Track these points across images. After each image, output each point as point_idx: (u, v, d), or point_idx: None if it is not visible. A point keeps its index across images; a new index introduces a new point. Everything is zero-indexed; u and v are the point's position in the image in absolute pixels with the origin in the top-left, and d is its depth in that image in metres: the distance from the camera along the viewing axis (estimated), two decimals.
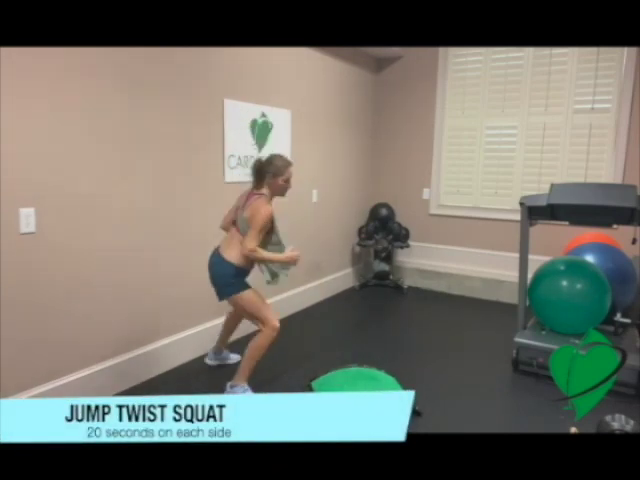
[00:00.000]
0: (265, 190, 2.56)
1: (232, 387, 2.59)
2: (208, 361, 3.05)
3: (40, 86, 2.19)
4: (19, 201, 2.16)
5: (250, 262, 2.56)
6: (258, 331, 2.57)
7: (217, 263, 2.56)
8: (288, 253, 2.56)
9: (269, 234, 2.55)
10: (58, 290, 2.36)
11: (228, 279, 2.52)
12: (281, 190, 2.59)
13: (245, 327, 2.96)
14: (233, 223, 2.62)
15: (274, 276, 2.65)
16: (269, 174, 2.54)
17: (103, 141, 2.49)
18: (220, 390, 2.63)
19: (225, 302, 2.63)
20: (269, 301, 3.65)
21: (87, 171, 2.43)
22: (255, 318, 2.56)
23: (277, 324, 2.55)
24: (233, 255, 2.51)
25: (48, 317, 2.33)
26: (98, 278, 2.54)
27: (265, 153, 3.56)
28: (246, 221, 2.49)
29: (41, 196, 2.24)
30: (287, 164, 2.57)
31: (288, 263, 2.57)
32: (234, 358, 3.03)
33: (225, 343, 3.04)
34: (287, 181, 2.58)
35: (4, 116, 2.07)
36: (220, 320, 3.27)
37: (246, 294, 2.53)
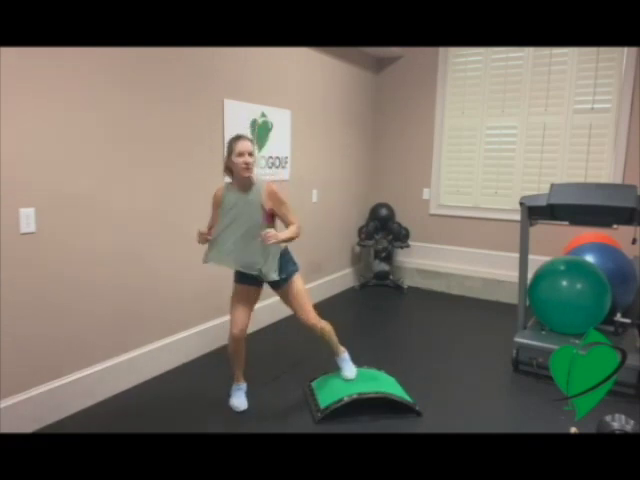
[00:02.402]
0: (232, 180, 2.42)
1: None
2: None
3: (40, 86, 2.19)
4: (19, 201, 2.16)
5: None
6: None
7: None
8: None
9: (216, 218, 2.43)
10: (58, 290, 2.36)
11: None
12: (238, 168, 2.31)
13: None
14: None
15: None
16: (228, 159, 2.35)
17: (103, 141, 2.49)
18: (218, 391, 2.63)
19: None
20: (269, 301, 3.66)
21: (87, 171, 2.43)
22: None
23: (232, 332, 2.44)
24: None
25: (48, 317, 2.33)
26: (98, 278, 2.54)
27: (265, 153, 3.57)
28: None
29: (41, 196, 2.24)
30: (236, 138, 2.34)
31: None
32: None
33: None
34: (241, 155, 2.28)
35: (4, 116, 2.07)
36: (217, 321, 3.27)
37: (234, 285, 2.50)
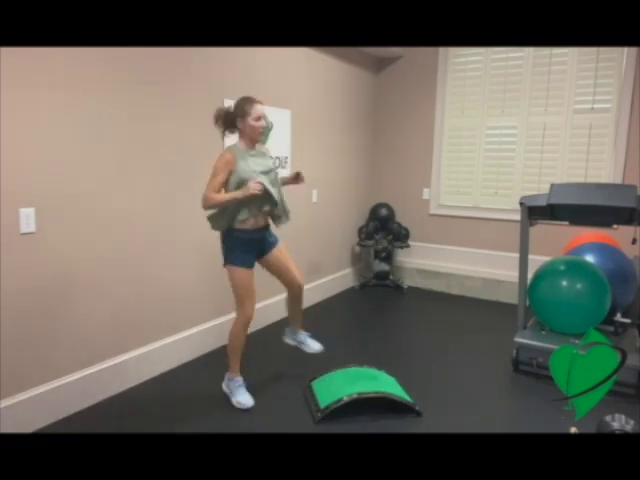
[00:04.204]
0: (240, 142, 2.44)
1: (229, 379, 2.61)
2: (284, 339, 2.94)
3: (40, 86, 2.19)
4: (19, 201, 2.16)
5: (249, 224, 2.40)
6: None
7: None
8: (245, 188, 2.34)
9: (236, 183, 2.37)
10: (58, 290, 2.36)
11: (227, 245, 2.45)
12: (255, 131, 2.39)
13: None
14: None
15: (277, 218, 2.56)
16: (239, 119, 2.40)
17: (103, 141, 2.49)
18: (219, 390, 2.63)
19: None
20: (269, 301, 3.67)
21: (87, 171, 2.43)
22: (236, 297, 2.48)
23: (251, 313, 2.48)
24: None
25: (48, 317, 2.33)
26: (98, 278, 2.54)
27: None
28: None
29: (41, 196, 2.24)
30: (252, 101, 2.39)
31: (245, 195, 2.30)
32: (311, 346, 2.84)
33: (296, 323, 2.87)
34: (258, 119, 2.38)
35: (4, 116, 2.07)
36: (219, 320, 3.28)
37: (237, 270, 2.43)
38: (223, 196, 2.35)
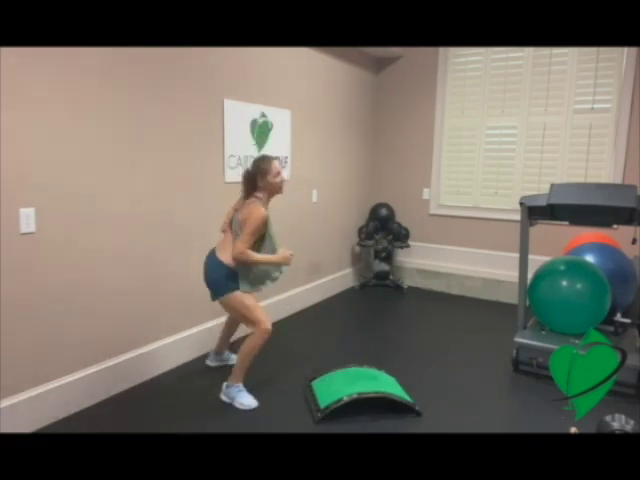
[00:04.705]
0: (260, 194, 2.56)
1: (227, 387, 2.61)
2: (209, 362, 3.03)
3: (40, 86, 2.19)
4: (19, 201, 2.16)
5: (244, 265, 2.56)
6: (251, 333, 2.57)
7: (211, 264, 2.57)
8: (281, 253, 2.57)
9: (263, 239, 2.55)
10: (58, 290, 2.36)
11: (221, 280, 2.53)
12: (276, 187, 2.58)
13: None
14: (230, 225, 2.63)
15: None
16: (259, 177, 2.54)
17: (103, 141, 2.49)
18: (219, 390, 2.64)
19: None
20: (269, 301, 3.67)
21: (87, 171, 2.43)
22: (246, 320, 2.55)
23: (269, 327, 2.53)
24: (228, 257, 2.51)
25: (48, 317, 2.33)
26: (98, 278, 2.54)
27: (265, 153, 3.57)
28: (239, 223, 2.50)
29: (41, 196, 2.24)
30: (269, 160, 2.56)
31: (281, 264, 2.58)
32: (235, 359, 3.00)
33: (226, 344, 3.01)
34: (278, 175, 2.56)
35: (4, 116, 2.07)
36: (219, 320, 3.27)
37: (238, 294, 2.52)
38: (262, 257, 2.51)
